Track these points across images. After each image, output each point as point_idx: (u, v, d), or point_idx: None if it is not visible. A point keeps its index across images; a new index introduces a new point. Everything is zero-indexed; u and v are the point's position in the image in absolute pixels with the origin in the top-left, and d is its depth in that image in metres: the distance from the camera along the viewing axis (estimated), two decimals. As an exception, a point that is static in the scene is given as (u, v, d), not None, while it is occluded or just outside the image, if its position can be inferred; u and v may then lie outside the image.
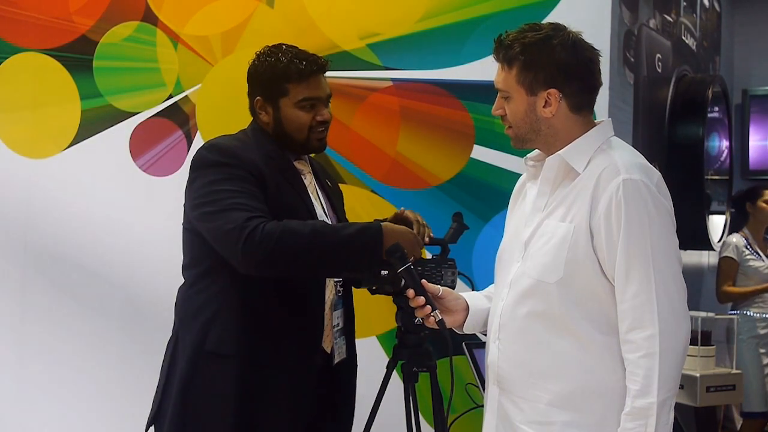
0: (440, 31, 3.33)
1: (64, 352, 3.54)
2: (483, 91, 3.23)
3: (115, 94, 3.56)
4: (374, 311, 3.02)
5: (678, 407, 1.80)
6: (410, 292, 1.94)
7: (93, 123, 3.58)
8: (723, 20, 5.86)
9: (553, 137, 1.88)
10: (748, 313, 4.76)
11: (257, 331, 2.21)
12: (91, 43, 3.57)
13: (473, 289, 2.48)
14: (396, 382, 2.61)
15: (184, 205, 2.30)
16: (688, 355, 3.71)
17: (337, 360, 2.35)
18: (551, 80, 1.84)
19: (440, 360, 2.57)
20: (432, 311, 1.93)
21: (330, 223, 2.34)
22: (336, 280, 2.33)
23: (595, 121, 1.93)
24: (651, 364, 1.72)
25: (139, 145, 3.53)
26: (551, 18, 3.04)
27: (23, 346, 3.58)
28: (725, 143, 5.23)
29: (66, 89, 3.58)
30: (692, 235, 4.41)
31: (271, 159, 2.28)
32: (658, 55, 4.21)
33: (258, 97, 2.33)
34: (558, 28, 1.88)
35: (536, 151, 1.97)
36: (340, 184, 3.34)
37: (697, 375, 3.67)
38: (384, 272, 2.43)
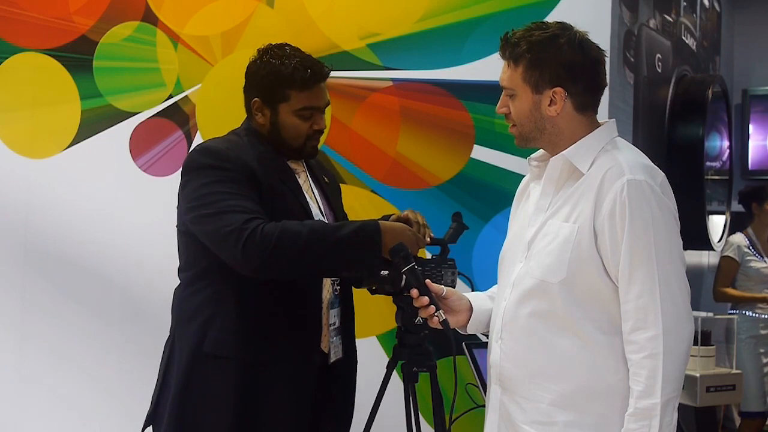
0: (440, 31, 3.33)
1: (64, 351, 3.54)
2: (483, 91, 3.23)
3: (115, 94, 3.56)
4: (374, 311, 3.02)
5: (678, 407, 1.80)
6: (414, 292, 1.94)
7: (93, 123, 3.58)
8: (723, 20, 5.86)
9: (558, 136, 1.88)
10: (748, 314, 4.76)
11: (255, 332, 2.21)
12: (91, 43, 3.56)
13: (473, 289, 2.49)
14: (396, 382, 2.61)
15: (178, 207, 2.29)
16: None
17: (333, 359, 2.34)
18: (557, 79, 1.84)
19: (441, 360, 2.57)
20: (436, 311, 1.93)
21: (327, 221, 2.34)
22: (333, 279, 2.32)
23: (600, 122, 1.93)
24: (654, 364, 1.72)
25: (139, 145, 3.53)
26: (551, 18, 3.04)
27: (23, 346, 3.58)
28: (725, 143, 5.23)
29: (66, 89, 3.58)
30: (692, 235, 4.41)
31: (264, 159, 2.26)
32: (658, 55, 4.21)
33: (256, 98, 2.31)
34: (565, 27, 1.88)
35: (540, 152, 1.97)
36: (340, 184, 3.35)
37: (697, 375, 3.67)
38: (384, 272, 2.43)
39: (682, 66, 4.65)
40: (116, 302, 3.52)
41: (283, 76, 2.26)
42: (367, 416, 2.58)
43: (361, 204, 3.34)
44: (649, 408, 1.73)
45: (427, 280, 1.97)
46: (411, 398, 2.57)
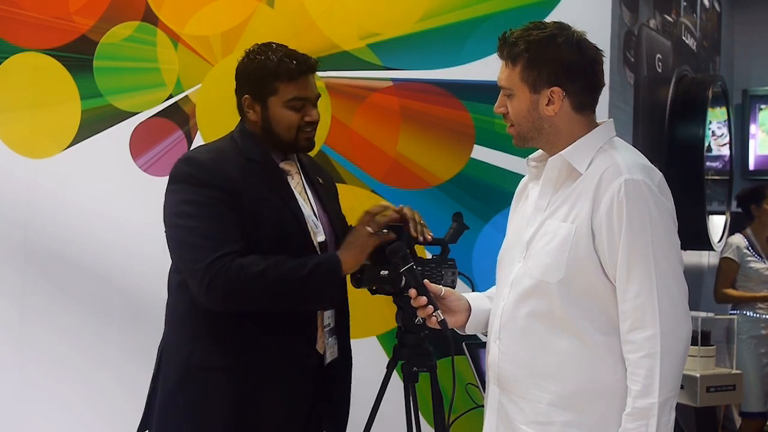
0: (440, 31, 3.32)
1: (64, 352, 3.54)
2: (483, 91, 3.23)
3: (115, 94, 3.56)
4: (374, 311, 3.02)
5: (678, 407, 1.80)
6: (412, 292, 1.94)
7: (93, 123, 3.58)
8: (723, 20, 5.86)
9: (556, 136, 1.88)
10: (749, 314, 4.75)
11: (246, 340, 2.20)
12: (92, 43, 3.56)
13: (473, 290, 2.48)
14: (396, 382, 2.61)
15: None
16: (689, 355, 3.73)
17: (329, 359, 2.34)
18: (555, 78, 1.84)
19: (440, 360, 2.57)
20: (434, 311, 1.92)
21: (320, 223, 2.33)
22: None
23: (598, 122, 1.93)
24: (652, 364, 1.72)
25: (139, 145, 3.53)
26: (551, 18, 3.04)
27: (23, 347, 3.58)
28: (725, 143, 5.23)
29: (66, 89, 3.58)
30: (692, 235, 4.41)
31: (254, 164, 2.26)
32: (659, 55, 4.21)
33: (246, 96, 2.31)
34: (563, 27, 1.88)
35: (538, 152, 1.97)
36: (340, 184, 3.34)
37: (697, 375, 3.67)
38: (384, 272, 2.43)
39: (682, 66, 4.64)
40: (116, 302, 3.52)
41: (269, 70, 2.27)
42: (367, 416, 2.58)
43: (361, 204, 3.34)
44: (646, 408, 1.73)
45: (426, 280, 1.97)
46: (411, 398, 2.57)
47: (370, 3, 3.42)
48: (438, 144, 3.33)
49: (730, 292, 4.81)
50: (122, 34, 3.55)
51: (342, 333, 2.44)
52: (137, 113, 3.55)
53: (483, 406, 2.17)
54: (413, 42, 3.34)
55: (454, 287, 2.23)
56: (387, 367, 2.60)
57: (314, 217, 2.33)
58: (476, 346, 2.85)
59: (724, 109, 5.09)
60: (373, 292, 2.50)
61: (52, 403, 3.55)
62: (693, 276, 5.11)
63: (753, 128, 6.41)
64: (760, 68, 6.38)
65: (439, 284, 2.08)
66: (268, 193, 2.25)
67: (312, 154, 3.37)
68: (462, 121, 3.30)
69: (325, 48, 3.38)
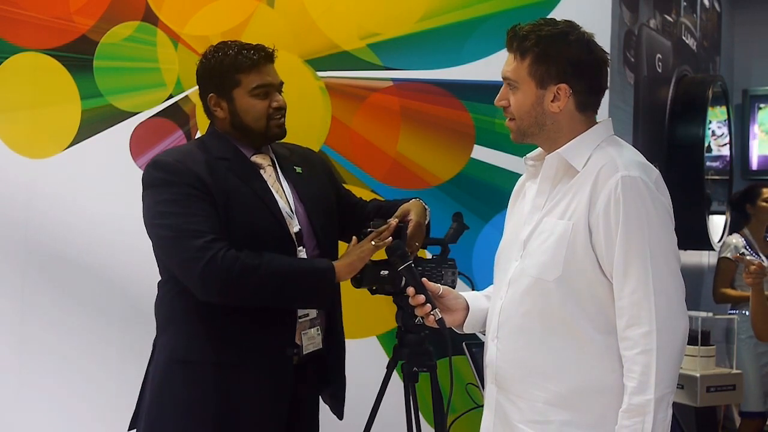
0: (440, 31, 3.33)
1: (64, 352, 3.54)
2: (483, 91, 3.23)
3: (115, 94, 3.57)
4: (374, 311, 3.02)
5: (678, 407, 1.80)
6: (410, 290, 1.94)
7: (93, 123, 3.58)
8: (723, 20, 5.86)
9: (556, 133, 1.88)
10: (748, 314, 4.74)
11: (225, 334, 2.22)
12: (92, 43, 3.57)
13: (473, 289, 2.49)
14: (396, 382, 2.61)
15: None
16: (689, 355, 3.74)
17: (308, 351, 2.33)
18: (563, 75, 1.84)
19: (440, 360, 2.57)
20: (432, 310, 1.92)
21: (294, 215, 2.33)
22: None
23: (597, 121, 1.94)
24: (648, 360, 1.72)
25: (139, 145, 3.53)
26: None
27: (23, 346, 3.58)
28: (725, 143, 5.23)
29: (66, 89, 3.58)
30: (692, 235, 4.41)
31: (224, 162, 2.28)
32: (659, 55, 4.21)
33: (211, 94, 2.33)
34: (574, 26, 1.88)
35: (536, 151, 1.97)
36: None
37: (697, 375, 3.67)
38: (384, 272, 2.44)
39: (682, 66, 4.64)
40: (116, 302, 3.52)
41: (228, 64, 2.30)
42: (367, 416, 2.58)
43: (361, 204, 3.35)
44: (642, 404, 1.72)
45: (424, 279, 1.97)
46: (411, 398, 2.57)
47: (370, 3, 3.42)
48: (438, 144, 3.33)
49: (729, 292, 4.80)
50: (122, 34, 3.55)
51: (331, 325, 2.43)
52: (137, 113, 3.55)
53: (482, 406, 2.17)
54: (413, 42, 3.34)
55: (454, 287, 2.23)
56: (387, 367, 2.60)
57: (288, 208, 2.34)
58: (476, 345, 2.85)
59: (723, 109, 5.09)
60: (373, 292, 2.50)
61: (52, 403, 3.55)
62: (693, 276, 5.10)
63: (753, 128, 6.41)
64: (760, 68, 6.38)
65: (438, 284, 2.08)
66: (240, 187, 2.26)
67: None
68: (462, 121, 3.30)
69: (325, 48, 3.38)
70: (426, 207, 2.50)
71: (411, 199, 2.52)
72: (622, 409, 1.75)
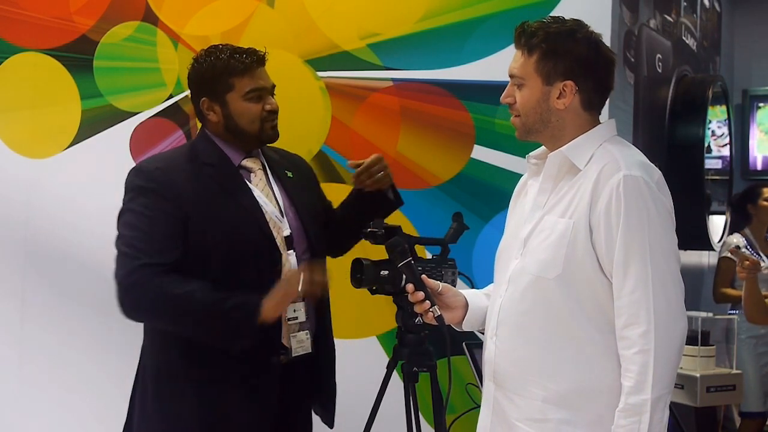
0: (440, 31, 3.32)
1: (64, 352, 3.54)
2: (483, 91, 3.23)
3: (115, 94, 3.56)
4: (374, 311, 3.02)
5: (678, 407, 1.80)
6: (410, 287, 1.94)
7: (93, 123, 3.58)
8: (723, 20, 5.87)
9: (560, 131, 1.88)
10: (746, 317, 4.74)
11: (207, 345, 2.21)
12: (92, 43, 3.56)
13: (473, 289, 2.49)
14: (396, 382, 2.61)
15: None
16: (689, 356, 3.74)
17: (297, 354, 2.33)
18: (570, 72, 1.84)
19: (440, 360, 2.57)
20: (431, 307, 1.92)
21: (284, 219, 2.33)
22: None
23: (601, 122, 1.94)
24: (645, 360, 1.72)
25: (139, 145, 3.53)
26: (551, 18, 3.04)
27: (23, 347, 3.58)
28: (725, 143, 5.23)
29: (66, 89, 3.58)
30: (692, 235, 4.41)
31: (208, 168, 2.29)
32: (659, 55, 4.21)
33: (204, 98, 2.34)
34: (582, 24, 1.89)
35: (539, 149, 1.98)
36: (340, 184, 3.34)
37: (697, 375, 3.67)
38: (384, 272, 2.44)
39: (682, 66, 4.65)
40: (116, 303, 3.52)
41: (221, 68, 2.31)
42: (368, 416, 2.58)
43: (361, 204, 3.34)
44: (639, 404, 1.72)
45: (423, 276, 1.97)
46: (411, 398, 2.57)
47: (370, 3, 3.42)
48: (438, 144, 3.33)
49: (729, 291, 4.80)
50: (122, 34, 3.54)
51: (321, 329, 2.43)
52: (137, 113, 3.54)
53: (483, 405, 2.17)
54: (413, 42, 3.34)
55: (454, 287, 2.23)
56: (387, 367, 2.61)
57: (279, 212, 2.33)
58: (476, 346, 2.85)
59: (724, 108, 5.10)
60: (373, 292, 2.50)
61: (52, 403, 3.55)
62: (693, 276, 5.10)
63: (753, 128, 6.41)
64: (760, 68, 6.38)
65: (438, 281, 2.08)
66: (220, 195, 2.27)
67: (312, 154, 3.39)
68: (462, 121, 3.30)
69: (325, 48, 3.38)
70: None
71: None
72: (618, 408, 1.75)
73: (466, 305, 2.03)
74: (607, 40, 3.15)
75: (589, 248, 1.78)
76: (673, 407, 3.33)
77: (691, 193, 4.30)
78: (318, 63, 3.39)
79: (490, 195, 3.25)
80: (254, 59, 2.33)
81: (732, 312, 4.77)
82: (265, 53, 2.37)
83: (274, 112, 2.35)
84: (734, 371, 3.89)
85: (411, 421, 2.58)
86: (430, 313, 1.92)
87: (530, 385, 1.84)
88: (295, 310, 2.33)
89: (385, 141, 3.36)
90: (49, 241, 3.57)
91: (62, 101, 3.58)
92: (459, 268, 2.64)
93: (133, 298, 2.17)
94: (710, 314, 3.91)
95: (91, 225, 3.53)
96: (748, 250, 4.76)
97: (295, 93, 3.43)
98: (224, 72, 2.30)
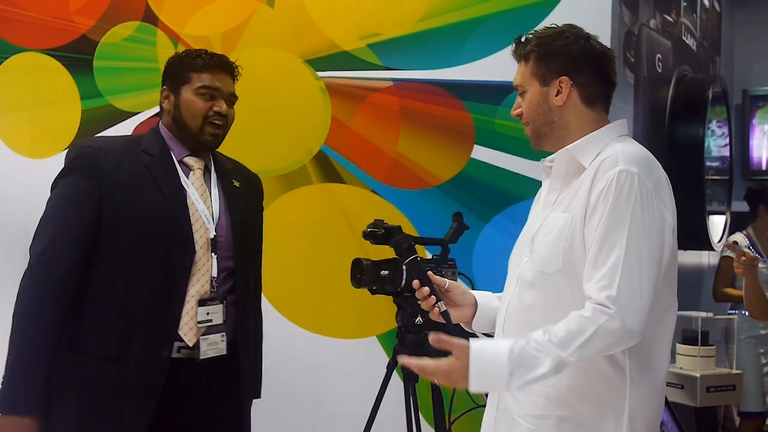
0: (440, 31, 3.33)
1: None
2: (483, 91, 3.23)
3: (115, 94, 3.57)
4: (374, 311, 3.02)
5: (678, 407, 1.79)
6: (416, 283, 1.94)
7: (93, 123, 3.58)
8: (723, 20, 5.87)
9: (565, 130, 1.89)
10: (748, 314, 4.74)
11: (108, 327, 2.24)
12: (92, 43, 3.57)
13: (474, 289, 2.49)
14: (396, 382, 2.61)
15: None
16: (689, 356, 3.74)
17: (206, 355, 2.30)
18: (563, 68, 1.87)
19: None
20: (436, 302, 1.92)
21: (212, 221, 2.33)
22: (213, 275, 2.32)
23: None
24: (584, 329, 1.68)
25: (139, 145, 3.53)
26: (551, 18, 3.04)
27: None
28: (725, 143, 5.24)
29: (66, 89, 3.58)
30: (692, 235, 4.42)
31: (146, 156, 2.32)
32: (659, 55, 4.22)
33: (164, 87, 2.41)
34: (572, 26, 1.93)
35: (554, 154, 1.98)
36: (340, 185, 3.35)
37: (697, 375, 3.68)
38: (384, 272, 2.44)
39: (682, 66, 4.65)
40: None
41: (186, 62, 2.38)
42: (368, 416, 2.58)
43: (361, 204, 3.35)
44: (557, 353, 1.68)
45: (429, 272, 1.97)
46: (411, 398, 2.57)
47: (370, 3, 3.42)
48: (438, 144, 3.33)
49: (730, 291, 4.80)
50: (122, 34, 3.55)
51: (241, 333, 2.40)
52: (137, 113, 3.55)
53: (483, 405, 2.17)
54: (413, 42, 3.34)
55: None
56: (387, 367, 2.61)
57: (209, 213, 2.34)
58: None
59: (724, 108, 5.10)
60: (373, 292, 2.50)
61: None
62: (693, 276, 5.11)
63: (753, 128, 6.42)
64: (760, 68, 6.38)
65: (445, 279, 2.07)
66: (147, 184, 2.29)
67: (312, 154, 3.39)
68: (462, 121, 3.30)
69: (325, 48, 3.38)
70: None
71: None
72: (537, 337, 1.71)
73: (475, 304, 2.02)
74: (607, 40, 3.18)
75: (582, 240, 1.78)
76: (673, 407, 3.33)
77: (691, 193, 4.30)
78: (318, 63, 3.39)
79: (490, 195, 3.25)
80: (219, 61, 2.39)
81: (732, 312, 4.78)
82: (236, 66, 2.43)
83: (221, 115, 2.36)
84: (734, 371, 3.89)
85: (411, 421, 2.58)
86: (436, 309, 1.92)
87: (532, 381, 1.84)
88: (208, 313, 2.31)
89: (385, 141, 3.36)
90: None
91: (62, 101, 3.59)
92: (459, 268, 2.64)
93: (23, 283, 2.32)
94: (710, 314, 3.92)
95: (91, 225, 3.53)
96: (750, 250, 4.77)
97: (295, 93, 3.43)
98: (187, 66, 2.37)
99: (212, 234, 2.33)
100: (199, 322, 2.28)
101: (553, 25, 1.94)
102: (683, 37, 4.76)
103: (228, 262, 2.36)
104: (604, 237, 1.74)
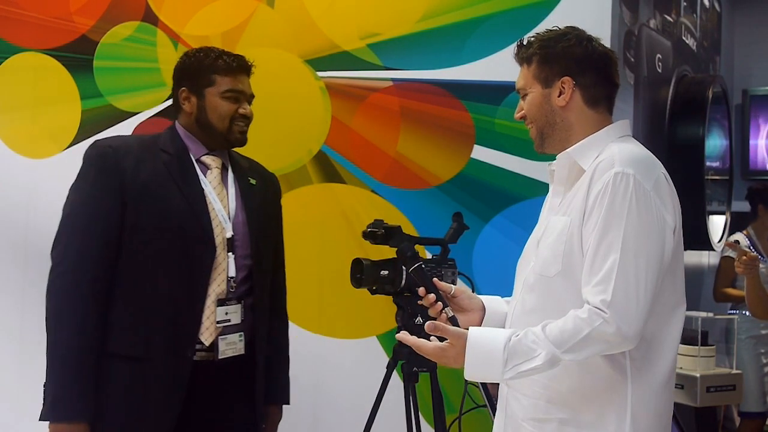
0: (440, 31, 3.33)
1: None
2: (483, 91, 3.23)
3: (115, 94, 3.56)
4: (374, 311, 3.02)
5: (678, 407, 1.79)
6: (422, 290, 1.94)
7: (93, 123, 3.57)
8: (723, 20, 5.87)
9: (568, 132, 1.89)
10: (748, 314, 4.74)
11: (137, 328, 2.25)
12: (92, 43, 3.56)
13: (473, 289, 2.49)
14: (396, 382, 2.61)
15: None
16: (689, 356, 3.74)
17: (225, 355, 2.32)
18: (566, 69, 1.88)
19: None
20: (443, 308, 1.92)
21: (228, 219, 2.33)
22: (231, 275, 2.33)
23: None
24: (580, 330, 1.69)
25: (139, 145, 3.53)
26: (551, 18, 3.04)
27: (23, 346, 3.58)
28: (725, 143, 5.23)
29: (66, 89, 3.58)
30: (692, 235, 4.41)
31: (164, 155, 2.33)
32: (659, 55, 4.22)
33: (183, 88, 2.41)
34: (574, 28, 1.94)
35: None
36: (340, 185, 3.35)
37: (697, 375, 3.68)
38: (384, 272, 2.44)
39: (682, 66, 4.65)
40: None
41: (208, 63, 2.38)
42: (367, 416, 2.58)
43: (361, 204, 3.35)
44: (551, 349, 1.70)
45: (435, 279, 1.97)
46: (411, 398, 2.57)
47: (370, 3, 3.42)
48: (438, 144, 3.33)
49: (730, 291, 4.80)
50: (122, 34, 3.54)
51: (257, 332, 2.41)
52: (137, 113, 3.54)
53: (484, 405, 2.18)
54: (413, 42, 3.34)
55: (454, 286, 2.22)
56: (387, 367, 2.61)
57: (226, 213, 2.35)
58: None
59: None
60: (373, 292, 2.50)
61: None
62: (693, 276, 5.10)
63: (753, 128, 6.42)
64: (760, 68, 6.38)
65: (451, 285, 2.07)
66: (166, 183, 2.30)
67: (312, 154, 3.39)
68: (462, 121, 3.30)
69: (325, 48, 3.38)
70: None
71: None
72: (536, 329, 1.72)
73: (483, 309, 2.02)
74: (607, 40, 3.18)
75: (581, 243, 1.78)
76: (673, 407, 3.33)
77: (691, 193, 4.30)
78: (318, 63, 3.39)
79: (490, 195, 3.25)
80: (240, 65, 2.41)
81: (732, 312, 4.78)
82: (252, 64, 2.44)
83: (246, 118, 2.40)
84: (734, 371, 3.89)
85: (411, 421, 2.58)
86: (444, 315, 1.92)
87: (535, 384, 1.85)
88: (227, 313, 2.32)
89: (385, 141, 3.36)
90: (49, 241, 3.55)
91: (62, 101, 3.58)
92: (459, 268, 2.64)
93: (53, 287, 2.26)
94: (710, 314, 3.91)
95: (91, 225, 3.53)
96: (750, 249, 4.76)
97: (295, 93, 3.43)
98: (209, 68, 2.37)
99: (229, 233, 2.33)
100: (217, 322, 2.29)
101: (554, 28, 1.94)
102: (683, 37, 4.76)
103: (245, 261, 2.36)
104: (601, 240, 1.74)
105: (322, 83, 3.38)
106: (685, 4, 4.80)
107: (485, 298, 2.04)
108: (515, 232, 2.07)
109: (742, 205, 5.07)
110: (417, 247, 2.45)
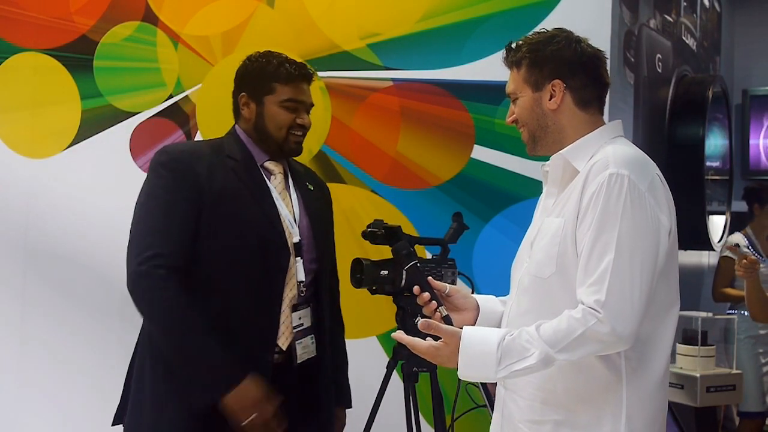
0: (440, 31, 3.33)
1: (64, 351, 3.54)
2: (483, 91, 3.23)
3: (115, 94, 3.57)
4: (374, 311, 3.02)
5: (678, 407, 1.79)
6: (416, 289, 1.95)
7: (93, 123, 3.58)
8: (723, 20, 5.87)
9: (560, 134, 1.89)
10: (747, 314, 4.74)
11: (213, 331, 2.22)
12: (92, 43, 3.57)
13: (473, 289, 2.49)
14: (396, 382, 2.61)
15: None
16: (688, 356, 3.74)
17: (302, 359, 2.34)
18: (555, 72, 1.87)
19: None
20: (437, 307, 1.92)
21: (295, 224, 2.34)
22: (299, 279, 2.33)
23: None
24: (573, 330, 1.69)
25: (139, 145, 3.53)
26: (552, 18, 3.04)
27: (24, 346, 3.58)
28: (725, 143, 5.23)
29: (66, 89, 3.58)
30: (692, 235, 4.42)
31: (231, 161, 2.32)
32: (659, 55, 4.22)
33: (243, 93, 2.39)
34: (562, 30, 1.93)
35: None
36: (340, 185, 3.35)
37: (697, 375, 3.68)
38: (384, 272, 2.44)
39: (682, 66, 4.65)
40: (116, 302, 3.52)
41: (269, 71, 2.37)
42: (368, 416, 2.58)
43: (361, 204, 3.35)
44: (545, 349, 1.70)
45: (429, 278, 1.97)
46: (411, 398, 2.57)
47: (370, 3, 3.42)
48: (438, 144, 3.33)
49: (729, 291, 4.80)
50: (122, 34, 3.55)
51: (320, 334, 2.42)
52: (137, 113, 3.55)
53: (484, 405, 2.18)
54: (413, 42, 3.34)
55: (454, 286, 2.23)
56: (387, 367, 2.61)
57: (291, 217, 2.35)
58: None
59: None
60: (373, 292, 2.50)
61: (52, 403, 3.55)
62: (693, 276, 5.11)
63: (753, 128, 6.42)
64: (760, 68, 6.39)
65: (446, 284, 2.07)
66: (238, 189, 2.29)
67: (312, 154, 3.39)
68: (462, 121, 3.30)
69: (325, 48, 3.38)
70: None
71: None
72: (530, 329, 1.72)
73: (477, 308, 2.02)
74: (607, 40, 3.18)
75: (575, 244, 1.78)
76: (673, 407, 3.33)
77: (691, 193, 4.30)
78: (318, 63, 3.39)
79: (490, 195, 3.25)
80: (302, 73, 2.39)
81: (731, 312, 4.77)
82: (314, 73, 2.44)
83: (303, 127, 2.39)
84: (734, 371, 3.89)
85: (411, 421, 2.58)
86: (438, 314, 1.92)
87: (530, 385, 1.85)
88: (300, 318, 2.34)
89: (385, 141, 3.36)
90: (49, 241, 3.57)
91: (62, 101, 3.59)
92: (459, 268, 2.64)
93: (140, 289, 2.21)
94: (710, 314, 3.91)
95: (91, 224, 3.54)
96: (749, 249, 4.77)
97: (295, 93, 3.43)
98: (271, 75, 2.36)
99: (296, 238, 2.34)
100: (293, 327, 2.30)
101: (543, 30, 1.94)
102: (683, 37, 4.76)
103: (311, 265, 2.38)
104: (595, 241, 1.74)
105: (322, 83, 3.38)
106: (685, 4, 4.80)
107: (480, 298, 2.04)
108: (515, 232, 2.07)
109: (742, 205, 5.07)
110: (417, 247, 2.45)
